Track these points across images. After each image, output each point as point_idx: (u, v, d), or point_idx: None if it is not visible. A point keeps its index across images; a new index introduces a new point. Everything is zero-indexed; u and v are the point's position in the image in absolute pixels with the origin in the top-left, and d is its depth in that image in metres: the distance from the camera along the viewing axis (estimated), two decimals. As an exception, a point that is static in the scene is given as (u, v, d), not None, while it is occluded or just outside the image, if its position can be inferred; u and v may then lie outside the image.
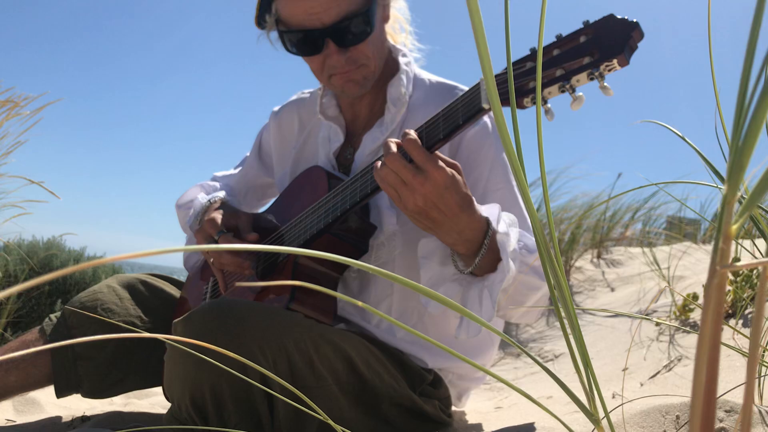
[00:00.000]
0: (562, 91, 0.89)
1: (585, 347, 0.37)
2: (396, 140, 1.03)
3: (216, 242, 1.28)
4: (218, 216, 1.32)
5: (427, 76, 1.39)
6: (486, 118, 1.29)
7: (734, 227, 0.21)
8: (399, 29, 1.41)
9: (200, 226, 1.35)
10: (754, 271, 1.60)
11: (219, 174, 1.66)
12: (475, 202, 1.05)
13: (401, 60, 1.36)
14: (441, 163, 1.00)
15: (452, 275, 1.11)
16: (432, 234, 1.07)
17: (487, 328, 1.27)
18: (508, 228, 1.07)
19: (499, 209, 1.08)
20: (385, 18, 1.32)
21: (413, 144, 0.99)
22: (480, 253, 1.05)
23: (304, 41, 1.25)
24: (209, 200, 1.41)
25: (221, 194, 1.45)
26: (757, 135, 0.20)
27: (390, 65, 1.37)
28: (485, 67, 0.32)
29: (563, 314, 0.42)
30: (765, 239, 0.77)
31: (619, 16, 0.85)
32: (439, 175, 0.98)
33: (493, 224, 1.05)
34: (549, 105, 0.91)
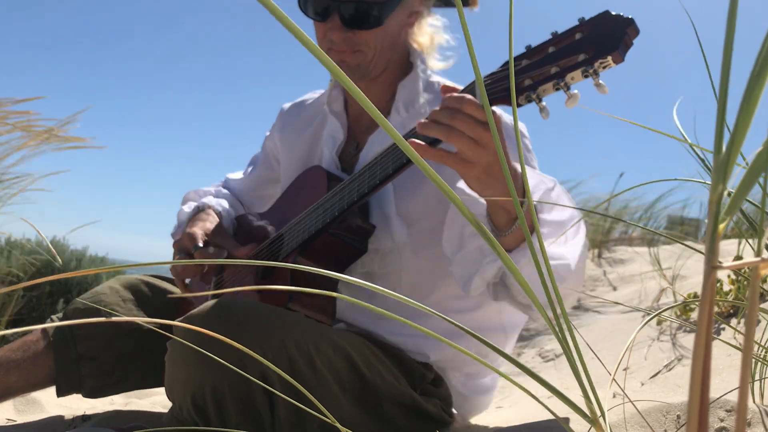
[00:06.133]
0: (557, 89, 0.88)
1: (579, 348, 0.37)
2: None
3: (192, 257, 1.29)
4: (198, 231, 1.33)
5: (436, 79, 1.37)
6: (506, 121, 1.24)
7: (721, 226, 0.21)
8: (431, 47, 1.37)
9: (180, 238, 1.36)
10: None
11: (231, 176, 1.66)
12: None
13: (418, 65, 1.34)
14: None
15: (485, 256, 1.05)
16: (484, 191, 0.98)
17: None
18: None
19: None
20: (410, 23, 1.31)
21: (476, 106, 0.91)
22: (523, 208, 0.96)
23: (314, 3, 1.25)
24: (195, 209, 1.43)
25: (212, 202, 1.46)
26: (743, 136, 0.20)
27: (404, 65, 1.35)
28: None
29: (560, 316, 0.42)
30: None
31: (614, 13, 0.84)
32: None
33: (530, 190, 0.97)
34: (544, 103, 0.91)
